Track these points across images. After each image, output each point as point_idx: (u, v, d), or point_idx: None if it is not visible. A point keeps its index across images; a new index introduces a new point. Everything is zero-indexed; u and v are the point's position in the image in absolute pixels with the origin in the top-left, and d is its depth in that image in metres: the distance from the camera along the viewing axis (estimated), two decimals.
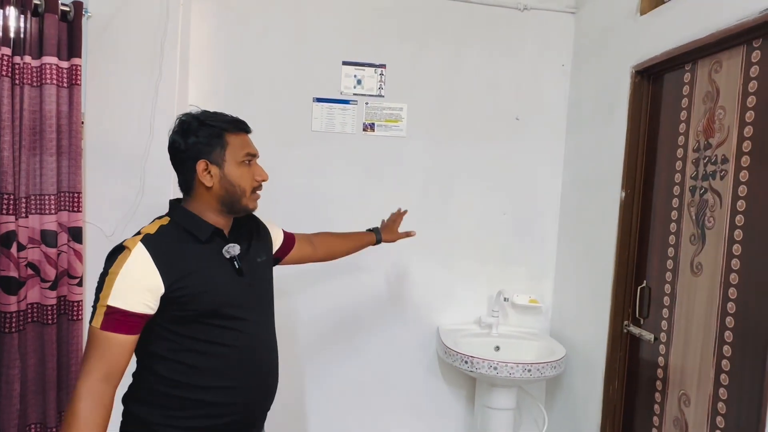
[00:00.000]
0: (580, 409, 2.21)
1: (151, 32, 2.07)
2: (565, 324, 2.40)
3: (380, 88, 2.35)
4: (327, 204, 2.33)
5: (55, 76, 1.92)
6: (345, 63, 2.33)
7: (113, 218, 2.08)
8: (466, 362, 2.08)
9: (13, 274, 1.85)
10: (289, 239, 1.59)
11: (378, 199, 2.37)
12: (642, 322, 1.91)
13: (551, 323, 2.49)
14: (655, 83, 1.92)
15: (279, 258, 1.55)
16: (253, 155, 1.27)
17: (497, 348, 2.30)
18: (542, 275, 2.49)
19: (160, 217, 1.24)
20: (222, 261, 1.21)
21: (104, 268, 1.13)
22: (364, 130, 2.36)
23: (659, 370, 1.81)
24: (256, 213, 1.35)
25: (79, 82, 1.98)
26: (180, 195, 1.30)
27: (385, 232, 1.89)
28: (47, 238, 1.94)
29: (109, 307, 1.08)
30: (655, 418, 1.82)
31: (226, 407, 1.19)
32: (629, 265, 1.98)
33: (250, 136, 1.29)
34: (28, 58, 1.87)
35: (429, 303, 2.43)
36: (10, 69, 1.83)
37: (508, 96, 2.42)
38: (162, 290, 1.11)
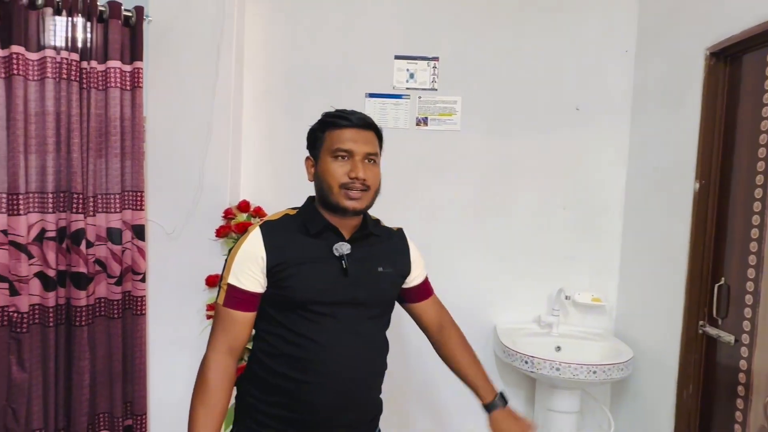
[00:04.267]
0: (650, 414, 2.08)
1: (207, 34, 2.11)
2: (631, 324, 2.27)
3: (433, 81, 2.30)
4: (379, 200, 2.31)
5: (119, 80, 1.99)
6: (397, 57, 2.30)
7: (173, 216, 2.14)
8: (526, 362, 2.00)
9: (83, 270, 1.94)
10: (423, 292, 1.41)
11: (432, 195, 2.33)
12: (720, 322, 1.77)
13: (616, 323, 2.37)
14: (733, 65, 1.77)
15: (402, 298, 1.41)
16: (346, 151, 1.18)
17: (558, 348, 2.21)
18: (605, 272, 2.36)
19: (294, 208, 1.30)
20: (330, 258, 1.20)
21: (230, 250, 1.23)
22: (417, 124, 2.32)
23: (741, 375, 1.67)
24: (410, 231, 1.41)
25: (141, 84, 2.04)
26: None
27: (501, 417, 1.34)
28: (113, 235, 2.02)
29: (228, 285, 1.18)
30: (737, 427, 1.69)
31: (298, 402, 1.18)
32: (704, 261, 1.84)
33: (367, 133, 1.22)
34: (94, 63, 1.95)
35: (485, 301, 2.36)
36: (77, 74, 1.91)
37: (567, 85, 2.31)
38: (265, 267, 1.17)
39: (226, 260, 1.21)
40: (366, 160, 1.20)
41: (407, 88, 2.30)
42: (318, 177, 1.23)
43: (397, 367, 2.19)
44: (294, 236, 1.21)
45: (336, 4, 2.28)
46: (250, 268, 1.17)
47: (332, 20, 2.29)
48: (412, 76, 2.30)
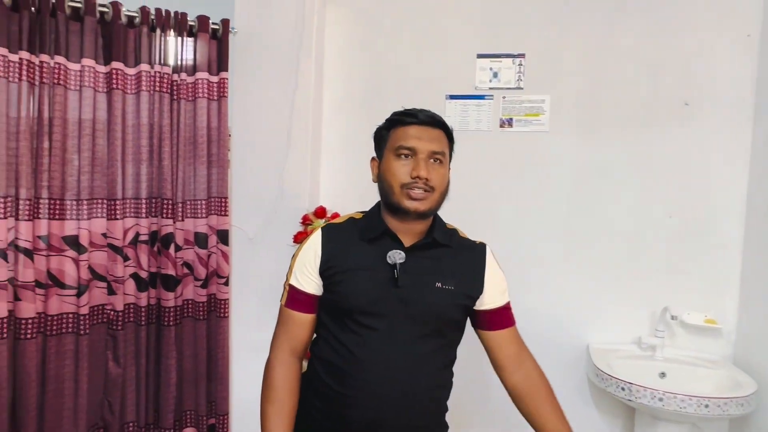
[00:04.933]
0: None
1: (287, 42, 2.14)
2: (755, 351, 1.95)
3: (519, 79, 2.16)
4: (461, 206, 2.19)
5: (206, 91, 2.08)
6: (480, 56, 2.18)
7: (255, 221, 2.18)
8: (623, 389, 1.79)
9: (171, 272, 2.03)
10: (497, 319, 1.22)
11: (517, 201, 2.17)
12: None
13: (735, 349, 2.05)
14: None
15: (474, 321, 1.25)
16: (409, 148, 1.11)
17: (663, 374, 1.95)
18: (721, 290, 2.05)
19: (362, 211, 1.28)
20: (384, 266, 1.12)
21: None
22: (501, 126, 2.18)
23: None
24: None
25: (226, 94, 2.12)
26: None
27: None
28: (199, 239, 2.10)
29: (289, 285, 1.20)
30: None
31: (333, 411, 1.14)
32: None
33: (432, 130, 1.15)
34: (184, 75, 2.05)
35: (577, 318, 2.15)
36: (169, 86, 2.02)
37: (673, 78, 2.06)
38: (318, 269, 1.15)
39: (290, 261, 1.22)
40: (432, 160, 1.13)
41: (490, 88, 2.18)
42: (380, 177, 1.18)
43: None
44: (352, 241, 1.17)
45: (416, 4, 2.22)
46: (308, 270, 1.17)
47: (412, 21, 2.23)
48: (495, 75, 2.18)
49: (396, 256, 1.11)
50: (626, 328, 2.11)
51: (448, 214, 2.30)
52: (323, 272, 1.15)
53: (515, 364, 1.21)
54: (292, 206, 2.16)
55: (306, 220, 2.10)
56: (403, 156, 1.12)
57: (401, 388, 1.10)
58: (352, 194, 2.26)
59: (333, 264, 1.14)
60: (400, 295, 1.11)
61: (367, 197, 2.26)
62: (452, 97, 2.21)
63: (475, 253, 1.23)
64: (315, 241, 1.18)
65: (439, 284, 1.13)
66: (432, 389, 1.16)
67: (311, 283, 1.17)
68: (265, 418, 1.13)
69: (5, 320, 1.78)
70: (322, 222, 2.09)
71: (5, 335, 1.78)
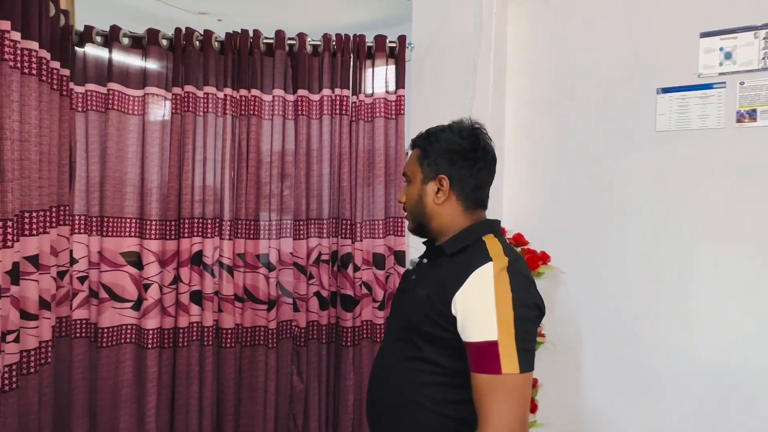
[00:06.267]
0: None
1: (464, 50, 2.01)
2: None
3: (763, 58, 1.64)
4: (678, 222, 1.75)
5: (383, 110, 2.06)
6: (704, 34, 1.73)
7: None
8: None
9: (350, 292, 2.04)
10: (470, 357, 0.99)
11: (759, 217, 1.64)
12: None
13: None
14: None
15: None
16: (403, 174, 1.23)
17: None
18: None
19: None
20: (408, 279, 1.21)
21: None
22: (738, 120, 1.68)
23: None
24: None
25: (403, 112, 2.07)
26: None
27: None
28: (377, 260, 2.07)
29: None
30: None
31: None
32: None
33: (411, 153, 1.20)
34: (362, 96, 2.06)
35: None
36: (347, 108, 2.06)
37: None
38: None
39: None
40: (404, 182, 1.22)
41: (720, 74, 1.70)
42: None
43: None
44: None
45: None
46: None
47: (609, 4, 1.88)
48: (728, 56, 1.69)
49: (410, 265, 1.22)
50: None
51: (660, 230, 1.87)
52: None
53: (479, 422, 0.96)
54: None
55: None
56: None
57: (377, 393, 1.16)
58: (538, 213, 2.00)
59: None
60: (397, 301, 1.22)
61: (557, 216, 1.97)
62: (665, 90, 1.79)
63: (463, 268, 1.03)
64: None
65: (420, 291, 1.11)
66: (402, 396, 1.08)
67: None
68: None
69: (212, 329, 1.99)
70: None
71: (210, 342, 1.98)
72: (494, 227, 1.15)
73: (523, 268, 1.08)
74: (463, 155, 1.12)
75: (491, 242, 1.08)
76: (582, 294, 1.92)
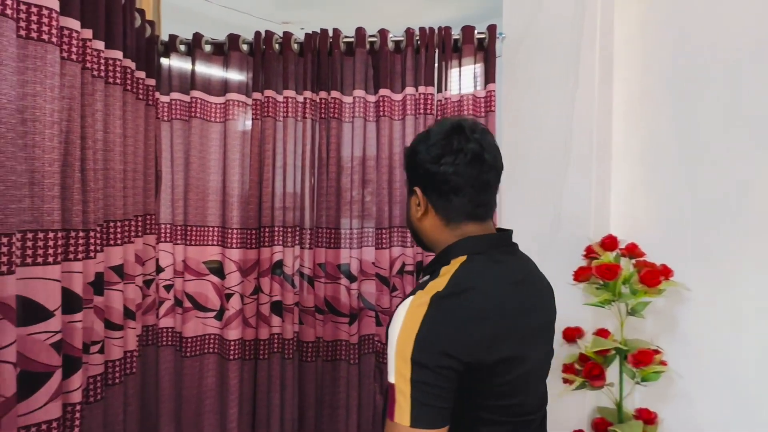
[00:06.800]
0: None
1: (564, 36, 1.78)
2: None
3: None
4: None
5: (472, 107, 1.89)
6: None
7: (527, 252, 1.85)
8: None
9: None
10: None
11: None
12: None
13: None
14: None
15: None
16: None
17: None
18: None
19: None
20: None
21: None
22: None
23: None
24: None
25: (494, 109, 1.88)
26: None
27: None
28: None
29: None
30: None
31: None
32: None
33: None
34: (447, 94, 1.90)
35: None
36: (432, 107, 1.90)
37: None
38: None
39: None
40: None
41: None
42: None
43: None
44: None
45: None
46: None
47: None
48: None
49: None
50: None
51: None
52: None
53: None
54: (571, 235, 1.76)
55: (590, 253, 1.67)
56: None
57: None
58: (655, 219, 1.72)
59: None
60: None
61: (677, 222, 1.68)
62: None
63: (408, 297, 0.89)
64: None
65: None
66: None
67: None
68: None
69: (293, 341, 1.92)
70: (611, 256, 1.62)
71: (292, 356, 1.91)
72: (478, 246, 0.94)
73: (468, 303, 0.86)
74: (432, 161, 0.95)
75: (449, 268, 0.91)
76: (712, 316, 1.62)
